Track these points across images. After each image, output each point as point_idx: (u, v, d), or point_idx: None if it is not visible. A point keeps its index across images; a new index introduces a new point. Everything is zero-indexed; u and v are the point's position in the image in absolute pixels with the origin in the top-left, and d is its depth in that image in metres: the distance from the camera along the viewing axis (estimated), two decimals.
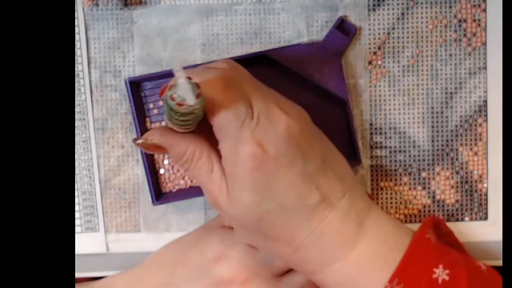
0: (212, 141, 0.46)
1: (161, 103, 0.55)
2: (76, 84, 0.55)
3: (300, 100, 0.54)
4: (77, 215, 0.56)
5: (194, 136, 0.46)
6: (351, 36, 0.55)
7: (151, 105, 0.55)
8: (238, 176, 0.44)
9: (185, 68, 0.54)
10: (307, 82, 0.54)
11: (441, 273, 0.44)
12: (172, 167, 0.55)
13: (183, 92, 0.40)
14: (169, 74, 0.54)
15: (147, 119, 0.55)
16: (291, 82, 0.54)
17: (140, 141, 0.47)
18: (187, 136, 0.46)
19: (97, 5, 0.55)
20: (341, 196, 0.45)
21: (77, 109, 0.55)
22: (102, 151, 0.56)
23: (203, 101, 0.41)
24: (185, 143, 0.46)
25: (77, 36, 0.55)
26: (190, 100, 0.40)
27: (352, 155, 0.54)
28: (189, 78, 0.40)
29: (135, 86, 0.54)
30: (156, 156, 0.55)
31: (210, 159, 0.46)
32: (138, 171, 0.56)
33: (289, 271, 0.52)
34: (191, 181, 0.55)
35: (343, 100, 0.54)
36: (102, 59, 0.55)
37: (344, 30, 0.54)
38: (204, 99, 0.41)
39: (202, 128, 0.45)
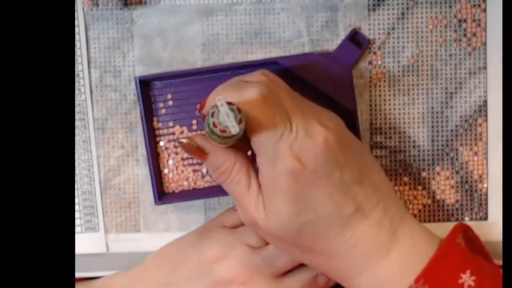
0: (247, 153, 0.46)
1: (170, 103, 0.55)
2: (76, 84, 0.55)
3: None
4: (77, 215, 0.56)
5: (235, 149, 0.46)
6: (364, 48, 0.55)
7: (160, 105, 0.55)
8: (276, 190, 0.44)
9: (190, 73, 0.54)
10: (316, 91, 0.54)
11: (467, 279, 0.44)
12: (177, 167, 0.55)
13: (225, 120, 0.41)
14: (178, 75, 0.54)
15: (155, 119, 0.55)
16: (300, 90, 0.55)
17: (184, 140, 0.47)
18: (229, 148, 0.46)
19: (97, 5, 0.55)
20: (376, 205, 0.45)
21: (77, 109, 0.55)
22: (102, 151, 0.56)
23: (245, 125, 0.42)
24: (226, 154, 0.46)
25: (77, 36, 0.55)
26: (233, 128, 0.41)
27: None
28: (230, 103, 0.40)
29: (144, 85, 0.54)
30: (161, 155, 0.55)
31: (248, 174, 0.46)
32: (138, 171, 0.56)
33: (289, 271, 0.52)
34: (195, 183, 0.55)
35: (351, 111, 0.54)
36: (102, 59, 0.55)
37: (356, 42, 0.55)
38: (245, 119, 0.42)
39: (240, 141, 0.45)
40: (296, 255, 0.48)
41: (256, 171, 0.46)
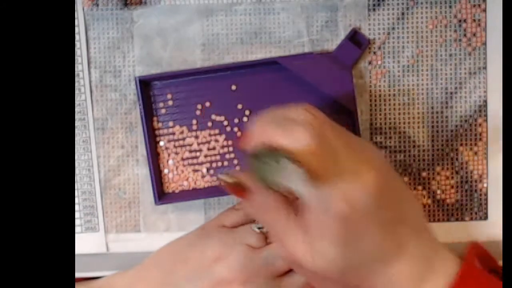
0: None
1: (170, 103, 0.55)
2: (76, 84, 0.55)
3: None
4: (77, 215, 0.56)
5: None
6: (363, 48, 0.55)
7: (160, 105, 0.55)
8: (325, 233, 0.43)
9: (190, 73, 0.54)
10: (316, 91, 0.54)
11: None
12: (177, 167, 0.55)
13: (290, 182, 0.40)
14: (178, 75, 0.54)
15: (155, 119, 0.55)
16: (300, 89, 0.55)
17: (223, 176, 0.46)
18: None
19: (97, 5, 0.55)
20: (415, 242, 0.45)
21: (77, 109, 0.55)
22: (102, 151, 0.56)
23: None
24: (271, 194, 0.45)
25: (77, 36, 0.55)
26: (301, 191, 0.40)
27: None
28: (295, 160, 0.39)
29: (144, 85, 0.54)
30: (161, 155, 0.55)
31: (292, 214, 0.45)
32: (138, 171, 0.56)
33: (289, 271, 0.52)
34: (195, 183, 0.55)
35: (351, 111, 0.54)
36: (102, 59, 0.55)
37: (356, 42, 0.55)
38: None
39: None
40: None
41: (300, 211, 0.45)
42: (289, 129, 0.43)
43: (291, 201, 0.46)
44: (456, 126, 0.56)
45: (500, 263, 0.55)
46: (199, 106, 0.55)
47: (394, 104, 0.56)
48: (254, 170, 0.43)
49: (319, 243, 0.44)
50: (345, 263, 0.44)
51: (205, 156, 0.55)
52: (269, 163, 0.41)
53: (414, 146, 0.56)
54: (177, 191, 0.55)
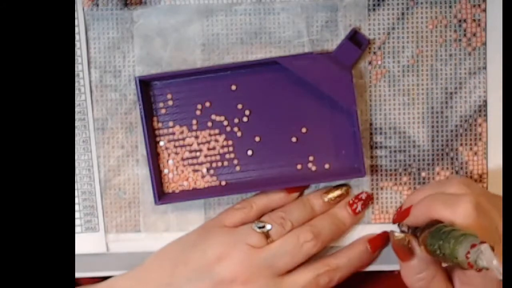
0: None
1: (170, 103, 0.55)
2: (76, 84, 0.55)
3: (308, 107, 0.55)
4: (77, 215, 0.56)
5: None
6: (364, 48, 0.55)
7: (160, 105, 0.55)
8: None
9: (190, 73, 0.54)
10: (316, 91, 0.54)
11: None
12: (177, 167, 0.55)
13: (490, 265, 0.41)
14: (178, 75, 0.54)
15: (155, 119, 0.55)
16: (300, 89, 0.55)
17: (398, 236, 0.50)
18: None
19: (97, 5, 0.55)
20: None
21: (77, 109, 0.55)
22: (102, 151, 0.56)
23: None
24: (431, 261, 0.49)
25: (77, 36, 0.55)
26: (496, 271, 0.41)
27: (355, 167, 0.54)
28: (491, 247, 0.41)
29: (144, 85, 0.54)
30: (161, 155, 0.55)
31: (446, 283, 0.49)
32: (138, 171, 0.56)
33: (290, 271, 0.52)
34: (195, 183, 0.55)
35: (351, 111, 0.54)
36: (102, 59, 0.55)
37: (356, 42, 0.55)
38: None
39: None
40: None
41: (451, 280, 0.49)
42: (454, 205, 0.47)
43: (447, 271, 0.50)
44: (456, 126, 0.56)
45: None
46: (199, 106, 0.55)
47: (394, 104, 0.56)
48: (423, 240, 0.47)
49: None
50: None
51: (205, 156, 0.55)
52: (441, 237, 0.44)
53: (414, 146, 0.56)
54: (177, 191, 0.55)
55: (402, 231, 0.53)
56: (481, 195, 0.49)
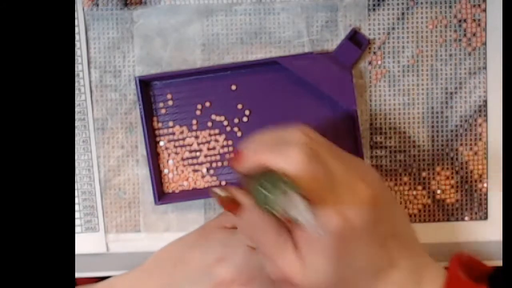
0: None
1: (170, 103, 0.55)
2: (76, 84, 0.55)
3: (308, 107, 0.55)
4: (77, 215, 0.56)
5: None
6: (364, 48, 0.55)
7: (160, 105, 0.55)
8: (318, 249, 0.43)
9: (190, 73, 0.54)
10: (316, 91, 0.54)
11: None
12: (177, 167, 0.55)
13: (295, 214, 0.40)
14: (178, 75, 0.54)
15: (155, 119, 0.55)
16: (300, 89, 0.55)
17: (217, 190, 0.46)
18: None
19: (97, 5, 0.55)
20: (406, 256, 0.46)
21: (77, 109, 0.55)
22: (102, 151, 0.56)
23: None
24: (262, 211, 0.44)
25: (77, 36, 0.55)
26: (300, 218, 0.40)
27: None
28: (294, 185, 0.39)
29: (144, 85, 0.54)
30: (161, 155, 0.55)
31: (283, 231, 0.45)
32: (138, 171, 0.56)
33: None
34: (195, 183, 0.55)
35: (351, 111, 0.54)
36: (102, 59, 0.55)
37: (356, 42, 0.55)
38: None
39: None
40: None
41: (291, 227, 0.45)
42: (283, 150, 0.43)
43: (285, 219, 0.45)
44: (456, 126, 0.56)
45: (500, 262, 0.55)
46: (199, 106, 0.55)
47: (394, 104, 0.56)
48: (251, 191, 0.43)
49: (311, 258, 0.44)
50: (338, 278, 0.44)
51: (205, 156, 0.55)
52: (266, 187, 0.41)
53: (414, 146, 0.56)
54: (177, 191, 0.55)
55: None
56: (320, 144, 0.45)
